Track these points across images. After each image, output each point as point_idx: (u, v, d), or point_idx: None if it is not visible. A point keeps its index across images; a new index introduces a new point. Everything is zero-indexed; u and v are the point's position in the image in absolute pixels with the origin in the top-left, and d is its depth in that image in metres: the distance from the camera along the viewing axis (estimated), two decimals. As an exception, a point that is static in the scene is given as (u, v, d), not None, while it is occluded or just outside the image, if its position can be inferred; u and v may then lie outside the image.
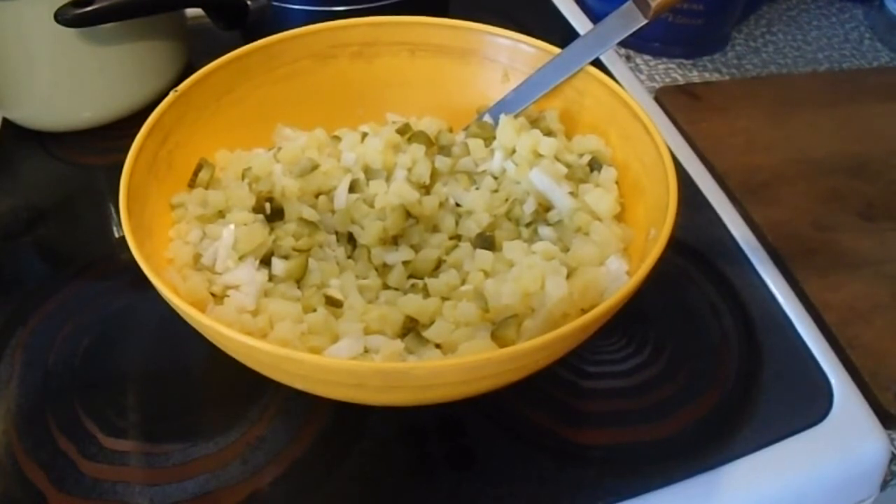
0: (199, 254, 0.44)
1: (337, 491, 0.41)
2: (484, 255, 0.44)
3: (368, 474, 0.41)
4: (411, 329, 0.41)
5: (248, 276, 0.42)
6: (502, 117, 0.50)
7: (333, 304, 0.42)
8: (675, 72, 0.75)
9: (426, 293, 0.43)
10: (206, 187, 0.48)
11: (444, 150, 0.50)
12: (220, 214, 0.46)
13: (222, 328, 0.35)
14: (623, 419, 0.44)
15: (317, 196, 0.48)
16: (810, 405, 0.45)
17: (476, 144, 0.50)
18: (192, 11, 0.65)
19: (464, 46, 0.54)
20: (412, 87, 0.55)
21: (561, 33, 0.72)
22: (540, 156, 0.48)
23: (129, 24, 0.57)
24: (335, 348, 0.39)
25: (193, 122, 0.49)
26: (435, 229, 0.48)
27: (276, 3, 0.63)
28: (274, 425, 0.43)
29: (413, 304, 0.42)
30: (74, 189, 0.58)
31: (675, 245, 0.40)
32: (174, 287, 0.40)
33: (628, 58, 0.77)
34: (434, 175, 0.49)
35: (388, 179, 0.49)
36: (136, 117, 0.52)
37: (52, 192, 0.58)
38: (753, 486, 0.42)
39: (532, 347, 0.34)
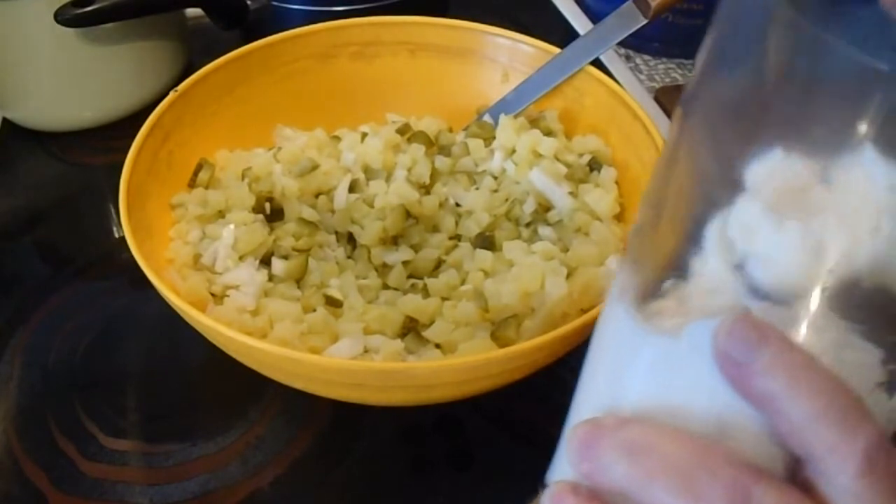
0: (199, 254, 0.44)
1: (336, 491, 0.41)
2: (484, 255, 0.44)
3: (368, 474, 0.41)
4: (411, 329, 0.41)
5: (247, 276, 0.42)
6: (502, 117, 0.50)
7: (333, 304, 0.42)
8: (675, 72, 0.75)
9: (426, 293, 0.43)
10: (206, 187, 0.48)
11: (444, 150, 0.50)
12: (220, 214, 0.46)
13: (222, 328, 0.35)
14: (623, 419, 0.44)
15: (317, 196, 0.48)
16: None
17: (476, 144, 0.50)
18: (192, 11, 0.65)
19: (464, 46, 0.54)
20: (412, 87, 0.55)
21: (561, 33, 0.72)
22: (540, 156, 0.48)
23: (129, 24, 0.57)
24: (335, 348, 0.39)
25: (193, 122, 0.49)
26: (435, 229, 0.48)
27: (276, 3, 0.63)
28: (274, 425, 0.43)
29: (413, 303, 0.42)
30: (74, 189, 0.58)
31: (675, 245, 0.40)
32: (174, 287, 0.40)
33: (628, 58, 0.77)
34: (434, 175, 0.49)
35: (388, 179, 0.49)
36: (136, 117, 0.52)
37: (52, 192, 0.58)
38: (753, 486, 0.42)
39: (532, 347, 0.34)
